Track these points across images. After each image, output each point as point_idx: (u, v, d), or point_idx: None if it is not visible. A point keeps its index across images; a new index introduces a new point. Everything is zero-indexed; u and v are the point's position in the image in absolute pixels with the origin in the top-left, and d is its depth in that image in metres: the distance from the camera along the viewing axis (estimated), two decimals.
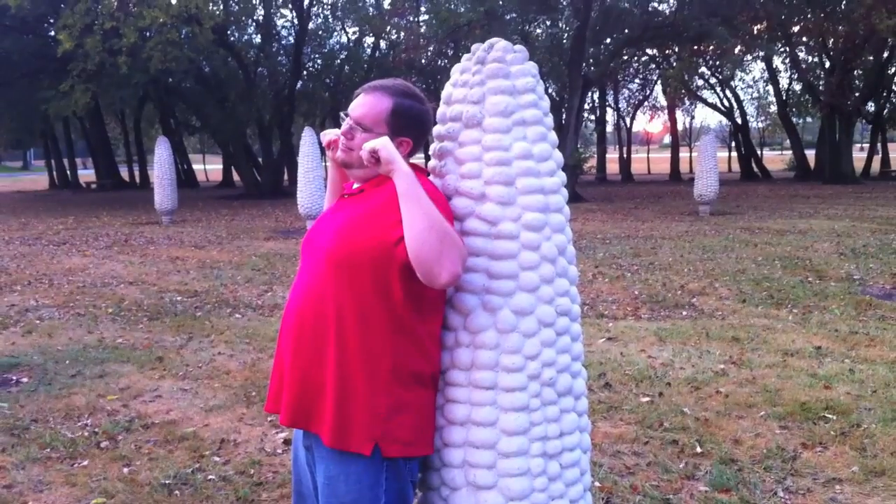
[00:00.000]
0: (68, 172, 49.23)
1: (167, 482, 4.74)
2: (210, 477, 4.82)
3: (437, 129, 2.61)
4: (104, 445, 5.36)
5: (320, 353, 2.39)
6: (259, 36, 36.91)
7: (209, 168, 63.38)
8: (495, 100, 2.48)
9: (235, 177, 42.62)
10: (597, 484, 4.55)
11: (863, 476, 4.66)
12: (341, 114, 2.55)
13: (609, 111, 53.93)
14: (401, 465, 2.45)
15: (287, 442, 5.28)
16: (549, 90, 35.84)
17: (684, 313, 9.25)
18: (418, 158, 2.75)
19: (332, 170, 2.76)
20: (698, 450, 5.10)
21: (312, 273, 2.47)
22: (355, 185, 2.59)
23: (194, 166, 53.78)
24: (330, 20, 40.79)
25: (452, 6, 28.18)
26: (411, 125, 2.50)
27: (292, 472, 2.72)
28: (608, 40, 30.86)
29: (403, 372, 2.39)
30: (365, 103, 2.49)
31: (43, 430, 5.64)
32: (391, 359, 2.37)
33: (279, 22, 38.69)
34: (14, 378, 6.95)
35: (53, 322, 9.25)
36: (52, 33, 28.20)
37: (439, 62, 35.97)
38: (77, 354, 7.69)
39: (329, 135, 2.61)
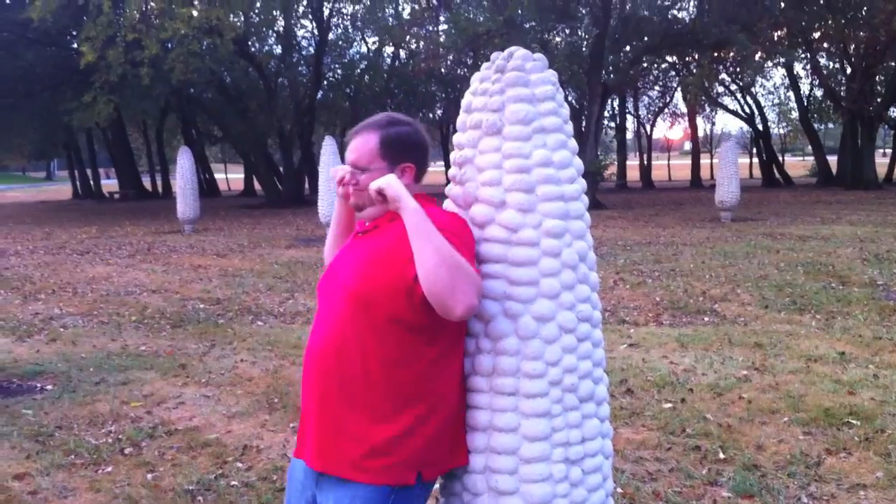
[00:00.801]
0: (91, 182, 49.67)
1: (190, 488, 4.78)
2: (233, 483, 4.85)
3: (456, 138, 2.62)
4: (128, 452, 5.41)
5: (348, 394, 2.37)
6: (279, 47, 37.13)
7: (231, 177, 63.69)
8: (515, 108, 2.49)
9: (257, 186, 42.84)
10: (619, 490, 4.55)
11: (887, 482, 4.63)
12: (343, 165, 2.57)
13: (629, 118, 53.85)
14: (412, 490, 2.42)
15: None
16: (569, 98, 35.81)
17: (706, 319, 9.22)
18: (439, 168, 2.76)
19: (338, 206, 2.76)
20: (721, 456, 5.09)
21: (332, 313, 2.45)
22: (367, 222, 2.57)
23: (216, 175, 54.08)
24: (350, 30, 41.03)
25: (472, 15, 28.25)
26: (405, 149, 2.51)
27: (286, 488, 2.67)
28: (627, 48, 30.82)
29: (434, 401, 2.39)
30: (355, 147, 2.50)
31: (67, 436, 5.70)
32: (420, 391, 2.37)
33: (299, 32, 38.95)
34: (38, 385, 7.02)
35: (77, 330, 9.33)
36: (75, 45, 28.48)
37: (459, 71, 36.02)
38: (101, 362, 7.76)
39: (340, 171, 2.60)
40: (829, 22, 31.55)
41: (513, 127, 2.49)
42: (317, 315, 2.55)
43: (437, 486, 2.67)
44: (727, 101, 48.71)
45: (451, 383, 2.44)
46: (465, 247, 2.34)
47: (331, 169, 2.70)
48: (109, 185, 52.43)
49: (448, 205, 2.61)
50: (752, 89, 45.68)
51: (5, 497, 4.67)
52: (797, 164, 59.63)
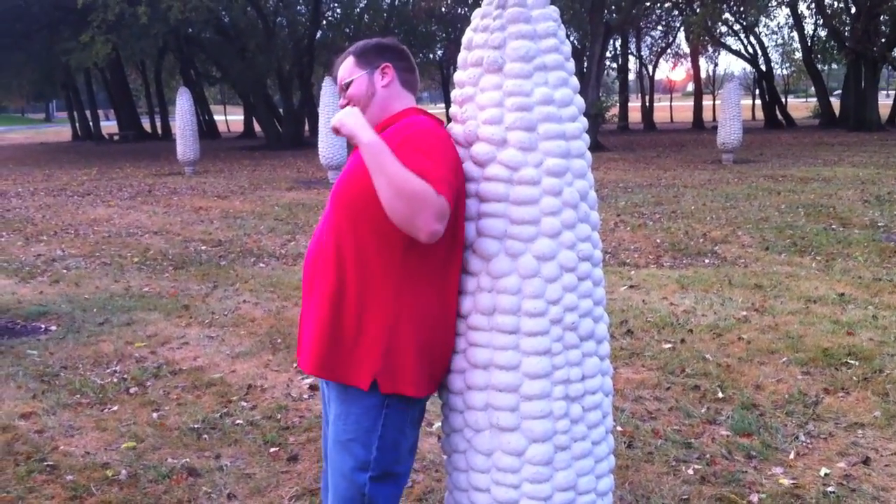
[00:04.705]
0: (90, 124, 49.38)
1: (196, 427, 4.83)
2: (238, 421, 4.90)
3: (457, 75, 2.61)
4: (133, 391, 5.46)
5: (326, 294, 2.45)
6: None
7: (230, 119, 63.35)
8: (516, 45, 2.47)
9: (257, 127, 42.65)
10: (619, 428, 4.60)
11: (885, 421, 4.67)
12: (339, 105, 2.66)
13: (631, 59, 53.38)
14: (401, 412, 2.50)
15: (312, 388, 5.37)
16: (571, 38, 35.42)
17: (706, 261, 9.24)
18: (439, 109, 2.77)
19: None
20: (720, 395, 5.13)
21: (326, 220, 2.54)
22: None
23: (215, 117, 53.75)
24: None
25: None
26: (377, 52, 2.65)
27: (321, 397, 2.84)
28: None
29: (406, 311, 2.43)
30: (340, 70, 2.69)
31: (72, 376, 5.74)
32: (392, 300, 2.41)
33: None
34: (43, 326, 7.06)
35: (80, 271, 9.36)
36: None
37: (459, 10, 35.62)
38: (104, 303, 7.80)
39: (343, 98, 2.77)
40: None
41: (514, 64, 2.46)
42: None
43: (439, 424, 2.71)
44: (730, 41, 48.27)
45: (427, 305, 2.47)
46: (437, 164, 2.34)
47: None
48: (109, 126, 52.18)
49: None
50: (756, 29, 45.22)
51: (12, 435, 4.73)
52: (800, 106, 59.19)
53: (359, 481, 2.49)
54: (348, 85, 2.62)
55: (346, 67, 2.65)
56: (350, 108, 2.44)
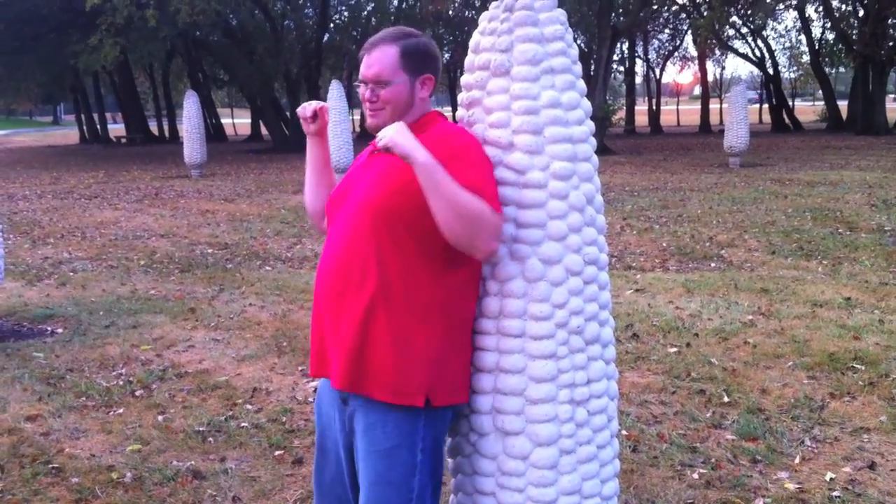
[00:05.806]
0: (98, 127, 49.50)
1: (201, 429, 4.83)
2: (243, 424, 4.91)
3: (465, 79, 2.60)
4: (139, 394, 5.47)
5: (367, 309, 2.34)
6: None
7: (237, 122, 63.48)
8: (523, 48, 2.47)
9: (264, 131, 42.71)
10: (624, 432, 4.59)
11: (891, 425, 4.66)
12: (355, 84, 2.53)
13: (638, 62, 53.38)
14: (439, 412, 2.45)
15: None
16: (578, 41, 35.43)
17: (713, 265, 9.22)
18: (446, 112, 2.75)
19: (312, 146, 2.73)
20: (725, 399, 5.12)
21: (347, 229, 2.41)
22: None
23: (223, 120, 53.83)
24: None
25: None
26: (425, 59, 2.50)
27: (316, 426, 2.70)
28: None
29: (450, 320, 2.40)
30: (374, 60, 2.45)
31: (78, 379, 5.75)
32: (439, 307, 2.36)
33: None
34: (49, 329, 7.08)
35: (87, 274, 9.38)
36: None
37: (467, 13, 35.66)
38: (110, 305, 7.81)
39: (309, 108, 2.64)
40: None
41: (521, 67, 2.46)
42: (328, 234, 2.53)
43: None
44: (738, 44, 48.18)
45: (466, 310, 2.45)
46: (488, 179, 2.34)
47: (298, 109, 2.67)
48: (116, 129, 52.30)
49: None
50: (763, 32, 45.15)
51: (18, 438, 4.74)
52: (807, 109, 59.10)
53: (410, 486, 2.40)
54: (385, 83, 2.44)
55: (389, 62, 2.43)
56: (396, 125, 2.30)
